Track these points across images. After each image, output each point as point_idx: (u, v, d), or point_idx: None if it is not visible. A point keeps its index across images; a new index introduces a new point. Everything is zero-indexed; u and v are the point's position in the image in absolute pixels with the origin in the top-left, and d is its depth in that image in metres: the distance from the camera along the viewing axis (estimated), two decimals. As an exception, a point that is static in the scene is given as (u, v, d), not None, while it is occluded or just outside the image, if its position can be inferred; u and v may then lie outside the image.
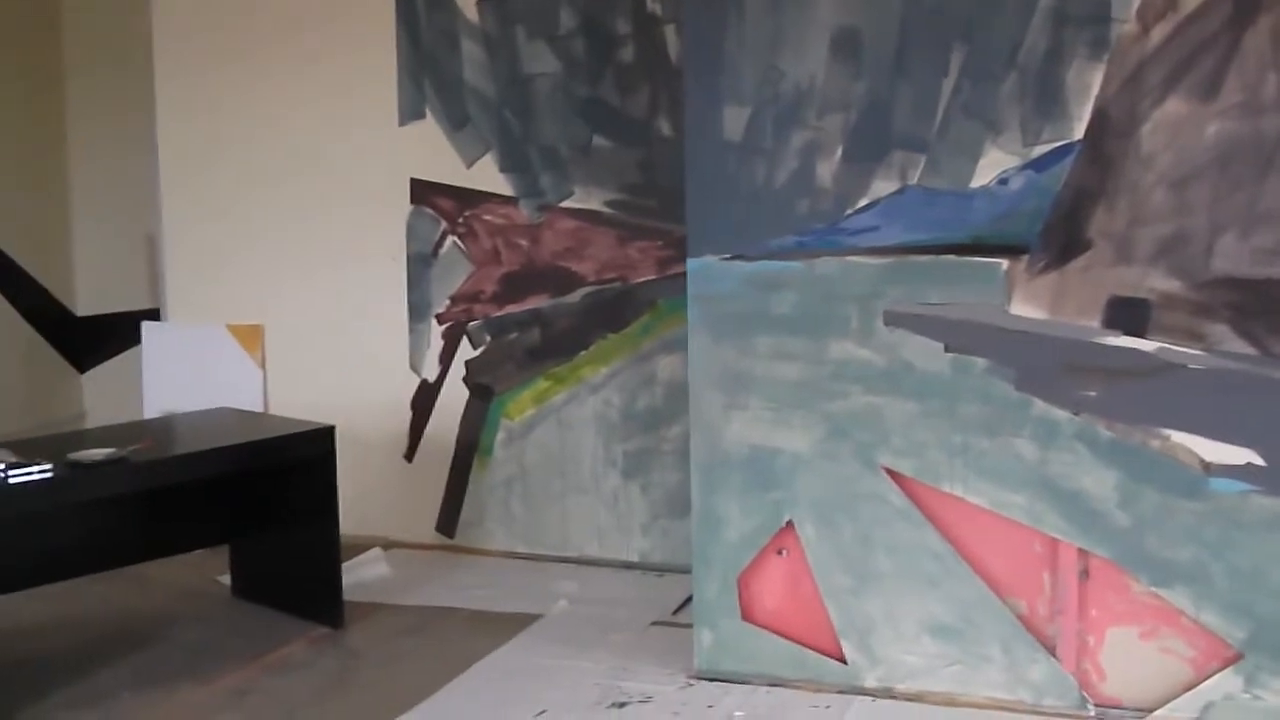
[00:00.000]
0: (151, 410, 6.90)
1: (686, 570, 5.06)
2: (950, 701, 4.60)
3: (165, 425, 5.99)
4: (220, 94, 6.90)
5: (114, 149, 8.18)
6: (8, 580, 5.14)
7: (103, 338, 8.40)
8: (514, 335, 6.44)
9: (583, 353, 6.33)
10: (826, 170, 4.58)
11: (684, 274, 4.81)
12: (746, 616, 4.83)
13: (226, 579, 6.03)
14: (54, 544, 5.28)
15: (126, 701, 4.87)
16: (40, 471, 4.65)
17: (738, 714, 4.59)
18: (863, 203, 4.55)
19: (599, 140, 6.19)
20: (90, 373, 8.60)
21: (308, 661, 5.24)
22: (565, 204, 6.28)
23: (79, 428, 7.28)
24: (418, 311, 6.60)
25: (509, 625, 5.54)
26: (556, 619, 5.63)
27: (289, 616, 5.64)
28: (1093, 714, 4.44)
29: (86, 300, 8.56)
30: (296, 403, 6.39)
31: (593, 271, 6.27)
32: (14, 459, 4.68)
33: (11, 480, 4.58)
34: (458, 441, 6.58)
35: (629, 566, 6.27)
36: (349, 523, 5.72)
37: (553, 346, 6.39)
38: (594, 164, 6.21)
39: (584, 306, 6.30)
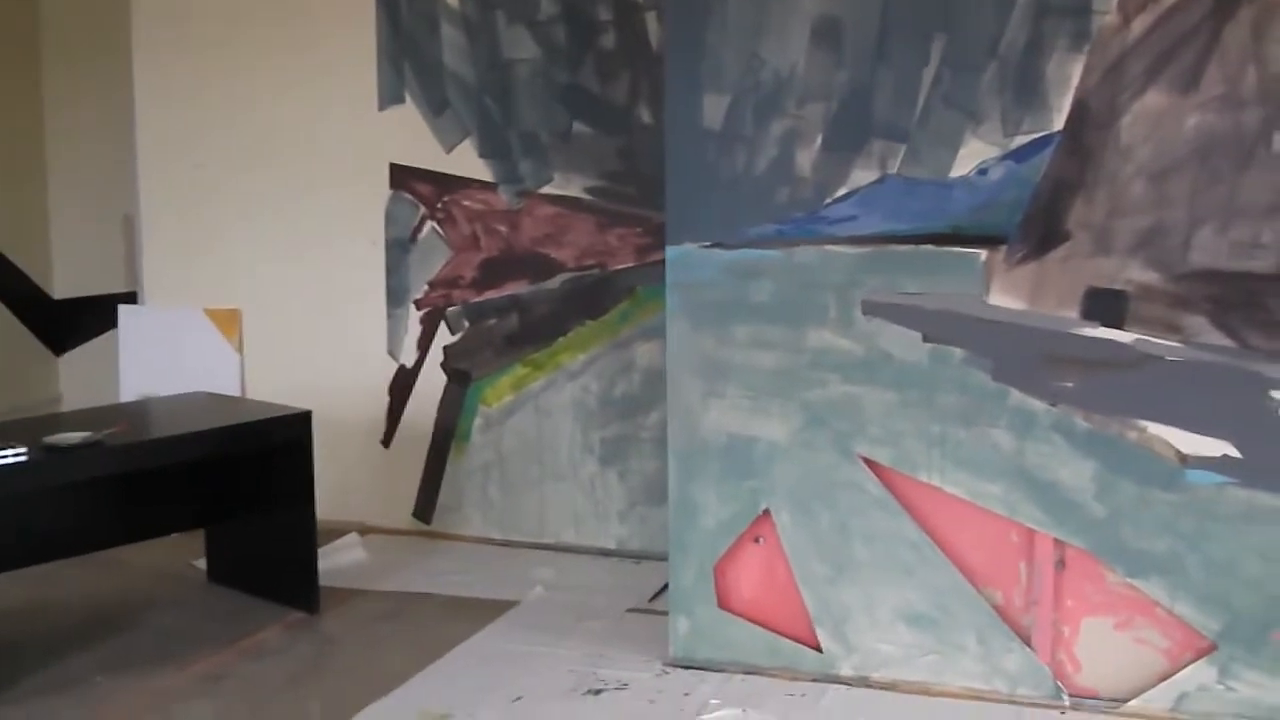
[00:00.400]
0: (128, 394, 6.88)
1: (663, 558, 5.06)
2: (925, 691, 4.61)
3: (141, 409, 5.97)
4: (199, 77, 6.86)
5: (92, 131, 8.14)
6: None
7: (79, 321, 8.36)
8: (492, 321, 6.43)
9: (561, 339, 6.32)
10: (806, 159, 4.58)
11: (663, 261, 4.81)
12: (723, 604, 4.84)
13: (202, 563, 6.01)
14: (29, 527, 5.25)
15: (100, 686, 4.86)
16: (15, 455, 4.63)
17: (713, 701, 4.60)
18: (842, 192, 4.55)
19: (579, 126, 6.19)
20: (66, 356, 8.56)
21: (283, 647, 5.23)
22: (545, 190, 6.28)
23: (54, 411, 7.24)
24: (396, 297, 6.58)
25: (485, 611, 5.54)
26: (533, 605, 5.64)
27: (265, 601, 5.63)
28: (1067, 704, 4.46)
29: (63, 283, 8.52)
30: (274, 387, 6.38)
31: (572, 258, 6.27)
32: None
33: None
34: (435, 427, 6.58)
35: (606, 553, 6.28)
36: (326, 508, 5.72)
37: (531, 333, 6.38)
38: (574, 150, 6.20)
39: (563, 293, 6.30)
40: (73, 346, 8.51)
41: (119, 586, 5.92)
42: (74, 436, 4.86)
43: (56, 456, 4.77)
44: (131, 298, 7.29)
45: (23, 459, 4.63)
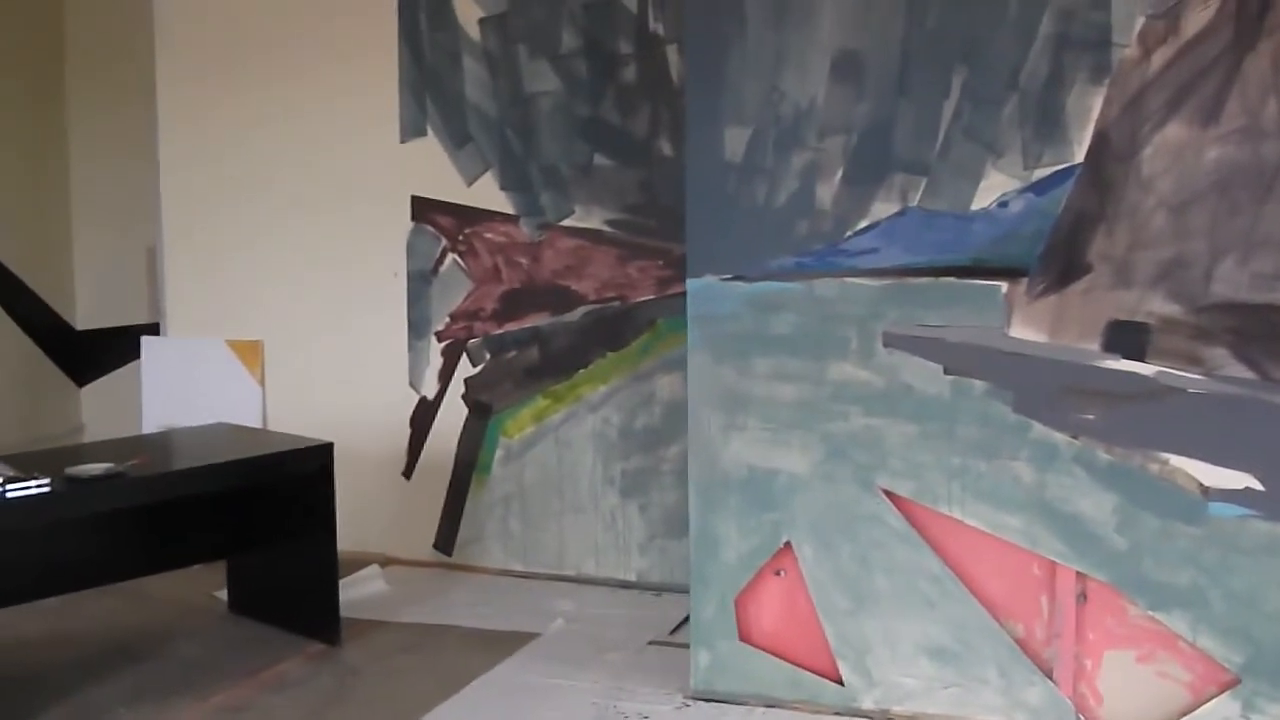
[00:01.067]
0: (150, 425, 6.90)
1: (684, 590, 5.06)
2: (947, 724, 4.60)
3: (163, 440, 5.99)
4: (222, 108, 6.91)
5: (115, 163, 8.18)
6: (5, 595, 5.13)
7: (101, 351, 8.40)
8: (513, 353, 6.44)
9: (582, 371, 6.33)
10: (827, 191, 4.59)
11: (684, 294, 4.81)
12: (744, 637, 4.83)
13: (224, 594, 6.02)
14: (51, 558, 5.28)
15: (121, 718, 4.86)
16: (38, 486, 4.64)
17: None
18: (863, 224, 4.55)
19: (600, 159, 6.20)
20: (88, 387, 8.60)
21: (304, 678, 5.23)
22: (566, 223, 6.29)
23: (77, 442, 7.27)
24: (417, 329, 6.60)
25: (506, 643, 5.54)
26: (554, 638, 5.63)
27: (286, 633, 5.63)
28: (1089, 738, 4.45)
29: (85, 313, 8.57)
30: (295, 419, 6.40)
31: (592, 290, 6.28)
32: (11, 473, 4.68)
33: (9, 494, 4.58)
34: (456, 459, 6.58)
35: (626, 586, 6.27)
36: (347, 539, 5.73)
37: (552, 365, 6.39)
38: (595, 183, 6.22)
39: (583, 325, 6.31)
40: (95, 377, 8.55)
41: (140, 617, 5.92)
42: (97, 468, 4.87)
43: (79, 487, 4.78)
44: (154, 329, 7.31)
45: (46, 490, 4.64)
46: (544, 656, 5.42)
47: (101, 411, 8.45)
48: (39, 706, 4.92)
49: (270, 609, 5.80)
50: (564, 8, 6.19)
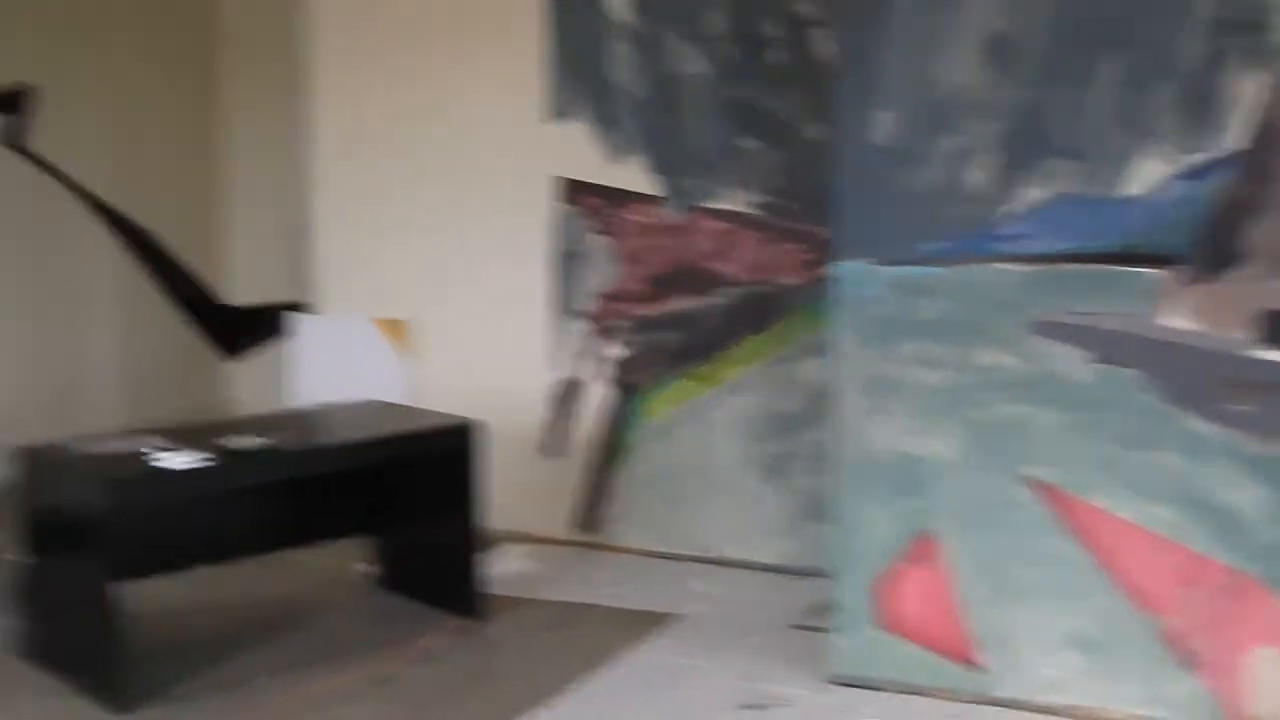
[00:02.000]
0: (299, 400, 7.02)
1: (825, 575, 5.05)
2: (1087, 716, 4.55)
3: (313, 415, 6.08)
4: (375, 86, 6.99)
5: (269, 137, 8.33)
6: (157, 564, 5.27)
7: (251, 327, 8.55)
8: (657, 335, 6.46)
9: (725, 353, 6.34)
10: (977, 176, 4.55)
11: (829, 277, 4.80)
12: (884, 623, 4.82)
13: (368, 568, 6.11)
14: (202, 530, 5.41)
15: (266, 686, 4.97)
16: (195, 458, 4.76)
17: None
18: (1013, 210, 4.51)
19: (746, 142, 6.20)
20: (233, 362, 8.77)
21: (446, 653, 5.30)
22: (711, 205, 6.29)
23: (223, 416, 7.42)
24: (563, 309, 6.64)
25: (646, 623, 5.57)
26: (694, 619, 5.65)
27: (429, 607, 5.71)
28: (1236, 733, 4.38)
29: (236, 288, 8.74)
30: (441, 396, 6.45)
31: (737, 273, 6.28)
32: (168, 444, 4.79)
33: (167, 465, 4.70)
34: (599, 438, 6.62)
35: (767, 569, 6.26)
36: (490, 516, 5.78)
37: (696, 347, 6.40)
38: (741, 165, 6.22)
39: (728, 307, 6.31)
40: (244, 352, 8.70)
41: (286, 589, 6.02)
42: (250, 441, 4.98)
43: (233, 460, 4.89)
44: (304, 306, 7.42)
45: (203, 462, 4.76)
46: (684, 638, 5.44)
47: (247, 387, 8.61)
48: (187, 673, 5.04)
49: (414, 584, 5.88)
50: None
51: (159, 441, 4.88)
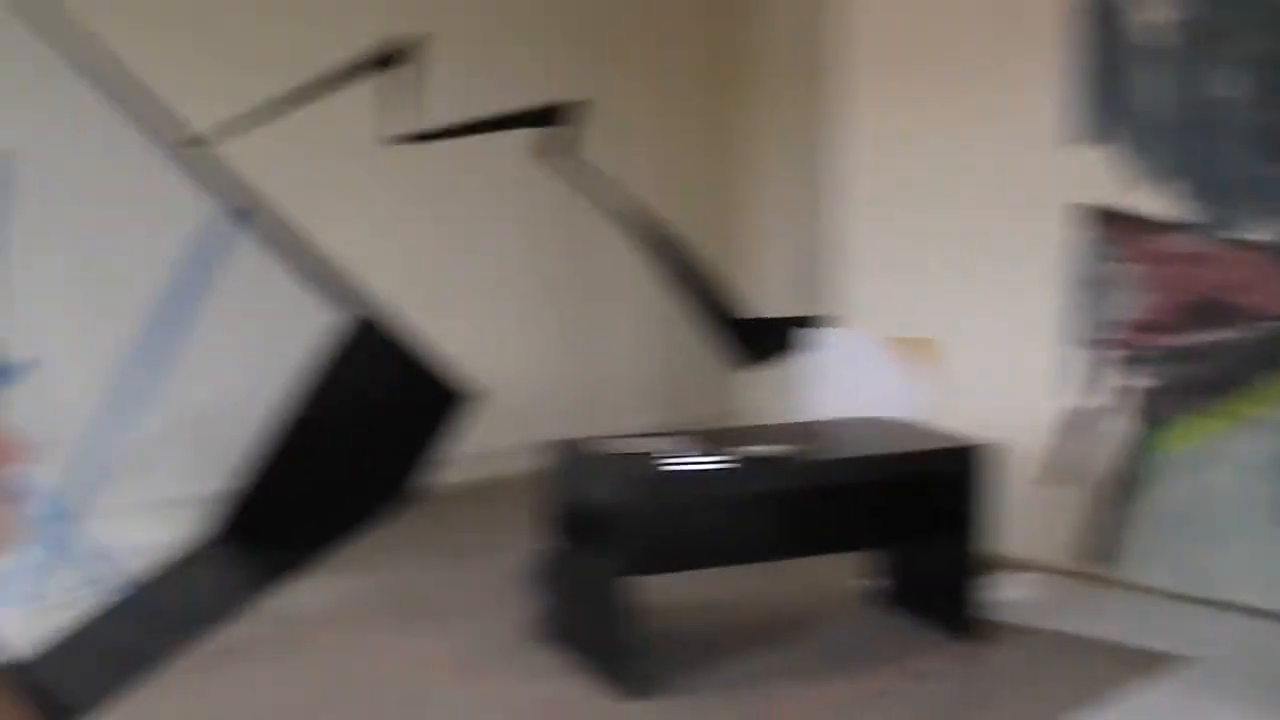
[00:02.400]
0: (807, 413, 7.11)
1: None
2: None
3: (827, 428, 6.16)
4: (902, 111, 7.06)
5: (788, 155, 8.51)
6: (672, 561, 5.46)
7: (768, 339, 8.72)
8: (1181, 367, 6.24)
9: (1248, 389, 6.06)
10: None
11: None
12: None
13: (866, 583, 6.14)
14: (717, 532, 5.59)
15: (767, 689, 5.09)
16: (725, 461, 4.95)
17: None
18: None
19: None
20: (748, 372, 8.98)
21: (945, 673, 5.30)
22: (1240, 235, 6.03)
23: (736, 424, 7.60)
24: (1081, 336, 6.51)
25: (1150, 663, 5.39)
26: (1205, 663, 5.41)
27: (926, 627, 5.71)
28: None
29: (754, 300, 8.96)
30: (948, 416, 6.42)
31: (1264, 306, 5.99)
32: (691, 447, 4.98)
33: (700, 468, 4.90)
34: (1113, 469, 6.44)
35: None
36: (993, 541, 5.72)
37: (1220, 381, 6.14)
38: (1274, 194, 5.93)
39: (1256, 342, 6.03)
40: (759, 364, 8.89)
41: (784, 598, 6.14)
42: (769, 449, 5.11)
43: (757, 466, 5.05)
44: (815, 321, 7.52)
45: (730, 466, 4.95)
46: (1193, 683, 5.23)
47: (755, 397, 8.80)
48: (702, 668, 5.25)
49: (912, 602, 5.89)
50: (1254, 13, 5.94)
51: (682, 443, 5.07)
